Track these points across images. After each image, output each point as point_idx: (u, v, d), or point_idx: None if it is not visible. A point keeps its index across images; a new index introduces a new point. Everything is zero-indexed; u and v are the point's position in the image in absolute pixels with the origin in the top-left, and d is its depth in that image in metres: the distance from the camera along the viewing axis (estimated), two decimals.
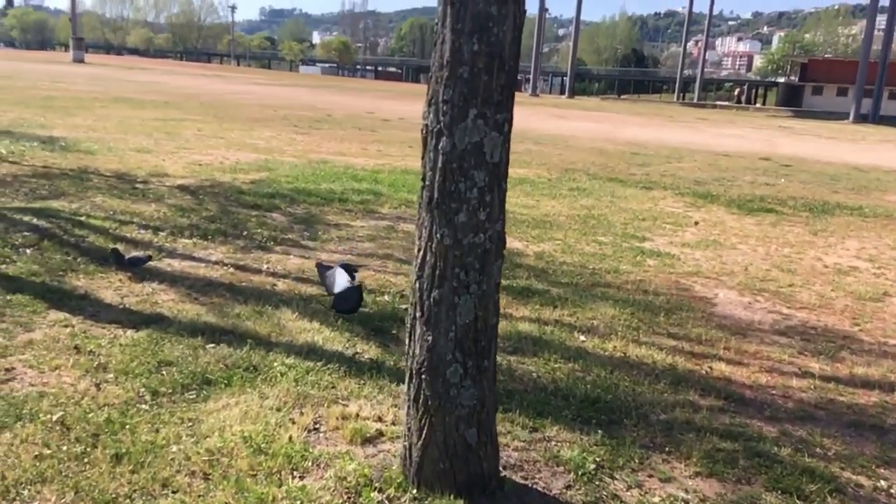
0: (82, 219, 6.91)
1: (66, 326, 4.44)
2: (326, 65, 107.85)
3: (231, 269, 5.87)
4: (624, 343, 4.78)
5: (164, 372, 3.86)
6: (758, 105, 70.29)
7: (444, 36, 2.49)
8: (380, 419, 3.46)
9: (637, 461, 3.26)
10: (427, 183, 2.60)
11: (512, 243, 7.50)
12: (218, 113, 20.22)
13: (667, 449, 3.40)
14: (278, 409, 3.49)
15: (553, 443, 3.34)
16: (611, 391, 3.97)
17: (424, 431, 2.66)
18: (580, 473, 3.08)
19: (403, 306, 5.25)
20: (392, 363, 4.21)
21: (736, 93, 79.45)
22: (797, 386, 4.41)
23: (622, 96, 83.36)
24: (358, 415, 3.46)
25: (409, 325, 2.72)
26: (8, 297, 4.78)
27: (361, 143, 15.74)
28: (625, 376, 4.21)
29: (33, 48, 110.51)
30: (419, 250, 2.64)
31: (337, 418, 3.42)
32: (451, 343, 2.61)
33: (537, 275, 6.41)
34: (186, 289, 5.32)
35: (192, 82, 37.40)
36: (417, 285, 2.64)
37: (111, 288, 5.23)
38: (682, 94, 75.41)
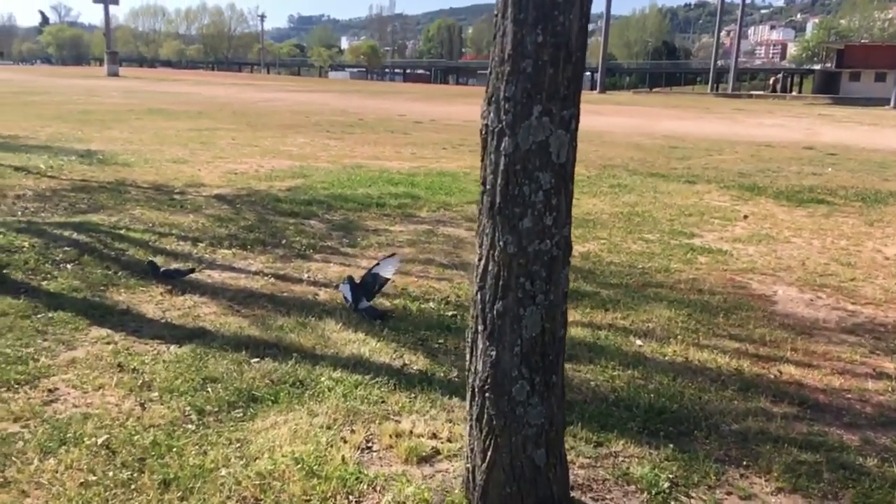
0: (122, 232, 6.87)
1: (108, 343, 4.35)
2: (355, 69, 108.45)
3: (271, 280, 5.76)
4: (684, 347, 4.54)
5: (209, 389, 3.74)
6: (794, 93, 68.80)
7: (504, 28, 2.30)
8: (435, 436, 3.29)
9: (713, 477, 3.04)
10: (488, 187, 2.42)
11: None
12: (251, 121, 20.28)
13: (744, 462, 3.17)
14: (328, 428, 3.33)
15: (621, 458, 3.13)
16: (676, 400, 3.74)
17: (489, 453, 2.48)
18: (654, 492, 2.86)
19: (450, 314, 5.08)
20: (442, 375, 4.03)
21: (771, 81, 77.83)
22: (874, 388, 4.13)
23: (654, 89, 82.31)
24: (412, 432, 3.29)
25: (469, 340, 2.54)
26: (50, 315, 4.71)
27: (395, 146, 15.62)
28: (689, 383, 3.98)
29: (69, 64, 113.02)
30: (480, 259, 2.46)
31: (390, 436, 3.25)
32: (517, 358, 2.42)
33: (584, 276, 6.19)
34: (228, 301, 5.22)
35: (223, 91, 37.73)
36: (479, 297, 2.46)
37: (152, 302, 5.14)
38: (715, 85, 74.12)
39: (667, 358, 4.37)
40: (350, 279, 5.15)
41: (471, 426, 2.56)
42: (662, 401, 3.71)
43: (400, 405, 3.61)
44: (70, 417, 3.39)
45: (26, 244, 6.15)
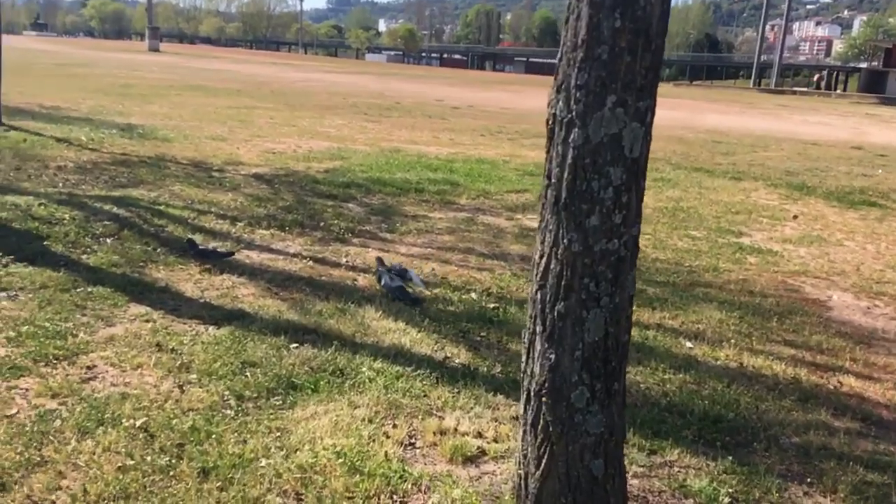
0: (161, 208, 6.83)
1: (147, 321, 4.29)
2: (392, 52, 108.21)
3: (310, 263, 5.67)
4: (737, 352, 4.36)
5: (248, 374, 3.66)
6: (839, 91, 67.10)
7: (579, 11, 2.15)
8: (480, 435, 3.16)
9: (775, 493, 2.87)
10: (553, 181, 2.27)
11: None
12: (289, 101, 20.26)
13: (807, 479, 3.00)
14: (370, 421, 3.23)
15: (676, 468, 2.98)
16: (732, 408, 3.57)
17: (544, 461, 2.35)
18: None
19: (492, 305, 4.95)
20: (485, 370, 3.91)
21: (816, 79, 75.98)
22: None
23: (695, 82, 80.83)
24: (456, 429, 3.17)
25: (526, 340, 2.40)
26: (89, 290, 4.67)
27: (432, 130, 15.47)
28: (745, 391, 3.80)
29: (111, 37, 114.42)
30: (541, 256, 2.31)
31: (434, 433, 3.13)
32: (578, 363, 2.28)
33: None
34: (266, 283, 5.14)
35: (262, 70, 37.83)
36: (539, 296, 2.32)
37: (191, 281, 5.08)
38: (758, 80, 72.59)
39: (720, 362, 4.19)
40: (380, 259, 5.27)
41: (524, 431, 2.43)
42: (718, 408, 3.54)
43: (443, 400, 3.49)
44: (108, 397, 3.33)
45: (67, 216, 6.14)
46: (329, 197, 7.98)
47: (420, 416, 3.31)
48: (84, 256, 5.32)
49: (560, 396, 2.29)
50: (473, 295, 5.15)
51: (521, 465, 2.45)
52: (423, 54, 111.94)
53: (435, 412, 3.37)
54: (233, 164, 9.48)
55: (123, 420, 3.12)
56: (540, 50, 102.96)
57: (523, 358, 2.43)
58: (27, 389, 3.35)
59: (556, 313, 2.27)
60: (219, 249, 5.48)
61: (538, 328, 2.33)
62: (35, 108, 13.38)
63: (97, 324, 4.19)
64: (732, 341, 4.52)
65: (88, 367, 3.65)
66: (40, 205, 6.35)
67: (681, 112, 27.76)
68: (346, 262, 5.79)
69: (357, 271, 5.59)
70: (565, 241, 2.24)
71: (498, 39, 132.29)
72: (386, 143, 12.83)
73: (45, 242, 5.49)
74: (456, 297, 5.10)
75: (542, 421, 2.34)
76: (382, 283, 5.08)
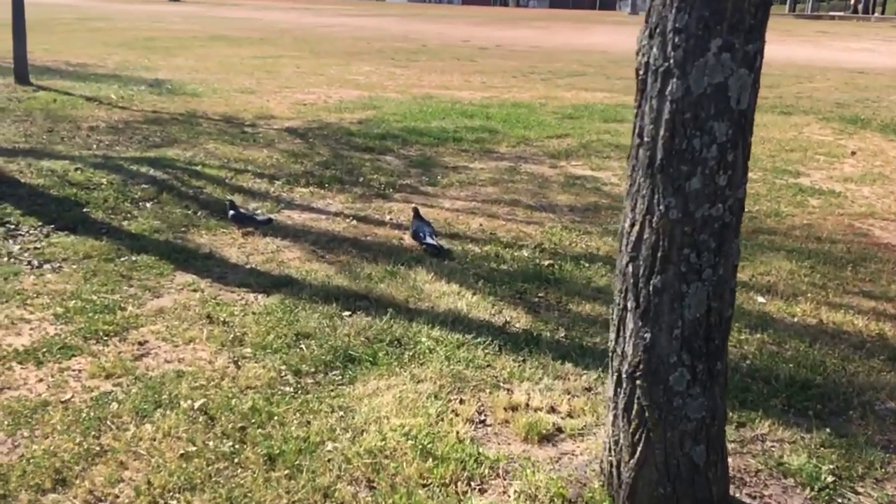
0: (198, 168, 6.66)
1: (194, 291, 4.16)
2: None
3: (353, 222, 5.48)
4: (814, 306, 4.11)
5: (303, 346, 3.51)
6: (877, 14, 64.20)
7: None
8: (553, 410, 2.99)
9: (879, 468, 2.67)
10: (646, 139, 2.03)
11: None
12: (313, 48, 19.83)
13: None
14: (436, 396, 3.07)
15: (770, 443, 2.78)
16: (819, 371, 3.35)
17: (639, 448, 2.16)
18: (818, 489, 2.52)
19: (546, 263, 4.74)
20: (549, 335, 3.72)
21: (852, 1, 72.80)
22: None
23: None
24: (527, 404, 3.00)
25: (615, 317, 2.20)
26: (133, 258, 4.54)
27: (463, 74, 15.02)
28: (829, 351, 3.57)
29: None
30: (633, 224, 2.09)
31: (504, 408, 2.96)
32: (676, 342, 2.07)
33: None
34: (311, 245, 4.97)
35: (283, 16, 37.13)
36: (630, 269, 2.10)
37: (234, 245, 4.93)
38: (793, 5, 69.72)
39: (797, 319, 3.95)
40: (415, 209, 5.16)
41: (615, 415, 2.24)
42: (804, 372, 3.32)
43: (508, 371, 3.31)
44: (163, 375, 3.21)
45: (104, 181, 6.00)
46: (365, 150, 7.74)
47: (487, 390, 3.14)
48: (125, 223, 5.19)
49: (657, 379, 2.09)
50: (525, 252, 4.94)
51: (612, 452, 2.27)
52: None
53: (502, 384, 3.20)
54: (264, 118, 9.25)
55: (181, 401, 2.99)
56: None
57: (612, 336, 2.22)
58: (80, 371, 3.24)
59: (651, 288, 2.05)
60: (257, 215, 5.28)
61: (630, 304, 2.11)
62: (62, 65, 13.20)
63: (145, 295, 4.07)
64: (808, 295, 4.26)
65: (140, 343, 3.53)
66: (76, 169, 6.22)
67: None
68: (390, 219, 5.59)
69: (402, 229, 5.38)
70: (661, 207, 2.01)
71: None
72: (417, 89, 12.47)
73: (84, 209, 5.37)
74: (508, 254, 4.89)
75: (636, 406, 2.15)
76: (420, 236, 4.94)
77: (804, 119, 10.43)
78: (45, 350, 3.39)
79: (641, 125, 2.05)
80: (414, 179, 6.75)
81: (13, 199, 5.41)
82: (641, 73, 2.05)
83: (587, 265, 4.71)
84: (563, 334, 3.71)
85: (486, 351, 3.49)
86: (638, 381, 2.12)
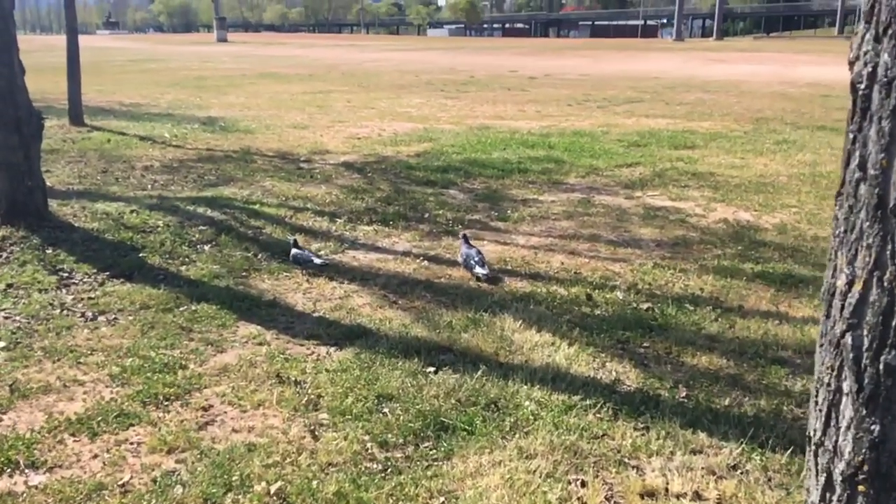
0: (255, 207, 6.35)
1: (260, 344, 3.77)
2: (454, 26, 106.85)
3: (424, 262, 5.07)
4: None
5: (386, 410, 3.08)
6: None
7: None
8: (699, 496, 2.49)
9: None
10: (871, 172, 1.56)
11: (737, 213, 6.26)
12: (361, 82, 19.78)
13: None
14: (552, 477, 2.59)
15: None
16: None
17: None
18: None
19: (644, 306, 4.24)
20: (667, 394, 3.22)
21: None
22: None
23: (771, 34, 76.78)
24: (667, 489, 2.51)
25: (819, 399, 1.71)
26: (193, 308, 4.19)
27: (516, 104, 14.69)
28: None
29: (179, 31, 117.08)
30: (851, 282, 1.60)
31: (640, 495, 2.47)
32: None
33: (790, 255, 5.18)
34: (381, 288, 4.57)
35: (328, 53, 37.56)
36: (849, 341, 1.61)
37: (299, 290, 4.56)
38: (842, 27, 68.23)
39: None
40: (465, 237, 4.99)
41: None
42: None
43: (631, 442, 2.82)
44: (232, 449, 2.80)
45: (160, 223, 5.71)
46: (427, 183, 7.37)
47: (612, 468, 2.66)
48: (183, 268, 4.87)
49: (888, 484, 1.59)
50: (619, 294, 4.45)
51: None
52: (486, 26, 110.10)
53: (628, 460, 2.71)
54: (319, 153, 8.98)
55: (255, 483, 2.58)
56: (604, 12, 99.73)
57: (814, 424, 1.73)
58: (138, 444, 2.85)
59: (881, 366, 1.56)
60: (315, 259, 4.88)
61: (848, 386, 1.62)
62: (115, 106, 13.25)
63: (207, 350, 3.69)
64: None
65: (204, 409, 3.14)
66: (132, 212, 5.95)
67: (771, 66, 26.08)
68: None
69: None
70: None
71: (560, 5, 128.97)
72: (471, 120, 12.14)
73: (140, 254, 5.07)
74: (599, 296, 4.41)
75: None
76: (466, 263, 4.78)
77: None
78: (100, 418, 3.03)
79: (863, 154, 1.58)
80: (482, 214, 6.33)
81: (67, 245, 5.14)
82: (863, 86, 1.60)
83: (691, 308, 4.20)
84: (683, 394, 3.21)
85: (599, 416, 3.01)
86: (860, 487, 1.62)
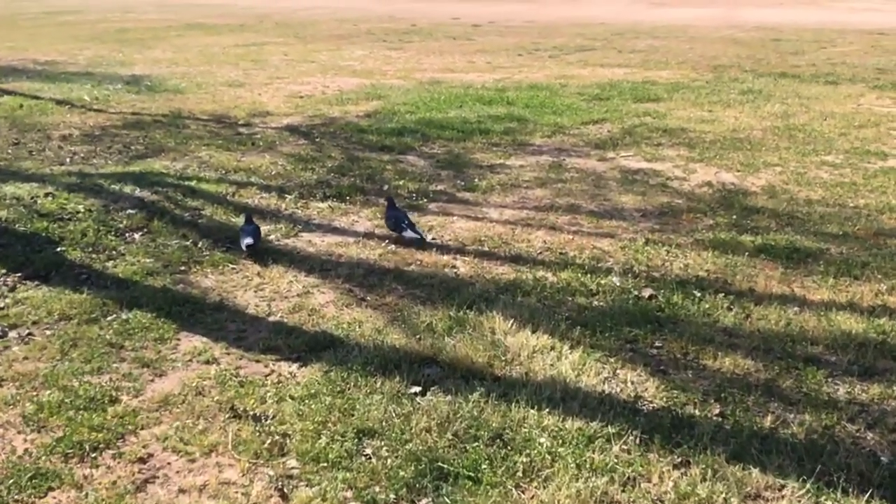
0: (192, 183, 5.61)
1: (207, 363, 3.17)
2: None
3: (389, 246, 4.48)
4: None
5: (369, 453, 2.54)
6: None
7: None
8: None
9: None
10: None
11: (720, 175, 5.85)
12: (297, 33, 18.63)
13: None
14: None
15: None
16: None
17: None
18: None
19: (646, 293, 3.78)
20: (699, 413, 2.76)
21: None
22: None
23: None
24: None
25: None
26: (124, 317, 3.53)
27: (464, 54, 13.93)
28: None
29: None
30: None
31: None
32: None
33: (788, 223, 4.79)
34: (344, 281, 3.98)
35: (259, 1, 35.67)
36: None
37: (250, 287, 3.93)
38: None
39: None
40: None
41: None
42: None
43: (673, 486, 2.35)
44: None
45: (81, 208, 4.95)
46: (382, 149, 6.72)
47: None
48: (110, 264, 4.17)
49: None
50: (614, 279, 3.97)
51: None
52: None
53: None
54: (259, 116, 8.18)
55: None
56: None
57: None
58: None
59: None
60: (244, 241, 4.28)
61: None
62: (29, 64, 12.00)
63: (142, 375, 3.07)
64: None
65: (142, 460, 2.54)
66: (47, 195, 5.16)
67: (713, 9, 25.80)
68: (433, 239, 4.60)
69: (451, 252, 4.41)
70: None
71: None
72: (420, 73, 11.40)
73: (58, 248, 4.33)
74: (592, 283, 3.91)
75: None
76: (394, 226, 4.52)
77: (854, 89, 9.49)
78: (11, 482, 2.40)
79: None
80: (447, 184, 5.74)
81: None
82: None
83: (698, 294, 3.75)
84: (717, 411, 2.76)
85: (626, 448, 2.53)
86: None
